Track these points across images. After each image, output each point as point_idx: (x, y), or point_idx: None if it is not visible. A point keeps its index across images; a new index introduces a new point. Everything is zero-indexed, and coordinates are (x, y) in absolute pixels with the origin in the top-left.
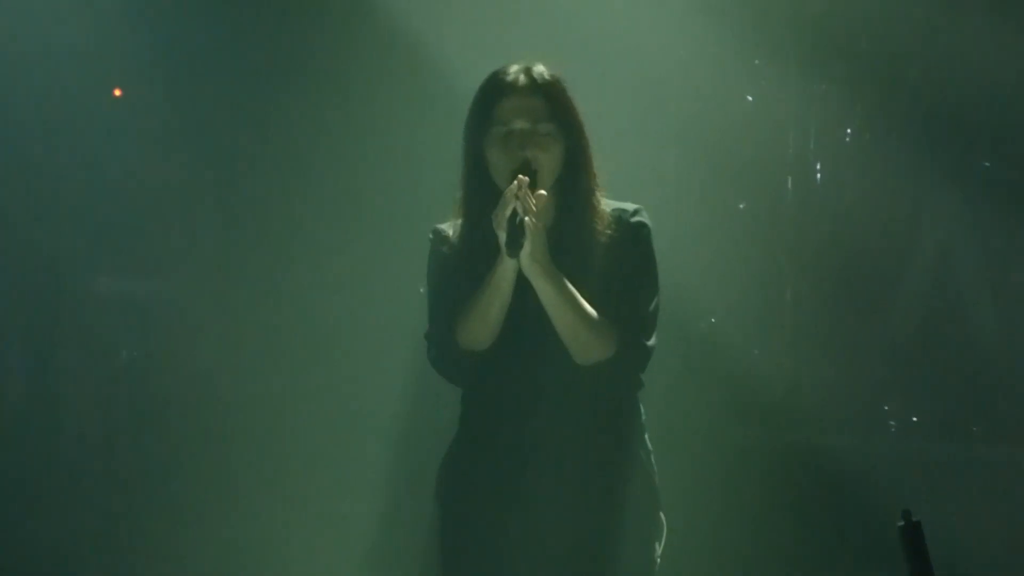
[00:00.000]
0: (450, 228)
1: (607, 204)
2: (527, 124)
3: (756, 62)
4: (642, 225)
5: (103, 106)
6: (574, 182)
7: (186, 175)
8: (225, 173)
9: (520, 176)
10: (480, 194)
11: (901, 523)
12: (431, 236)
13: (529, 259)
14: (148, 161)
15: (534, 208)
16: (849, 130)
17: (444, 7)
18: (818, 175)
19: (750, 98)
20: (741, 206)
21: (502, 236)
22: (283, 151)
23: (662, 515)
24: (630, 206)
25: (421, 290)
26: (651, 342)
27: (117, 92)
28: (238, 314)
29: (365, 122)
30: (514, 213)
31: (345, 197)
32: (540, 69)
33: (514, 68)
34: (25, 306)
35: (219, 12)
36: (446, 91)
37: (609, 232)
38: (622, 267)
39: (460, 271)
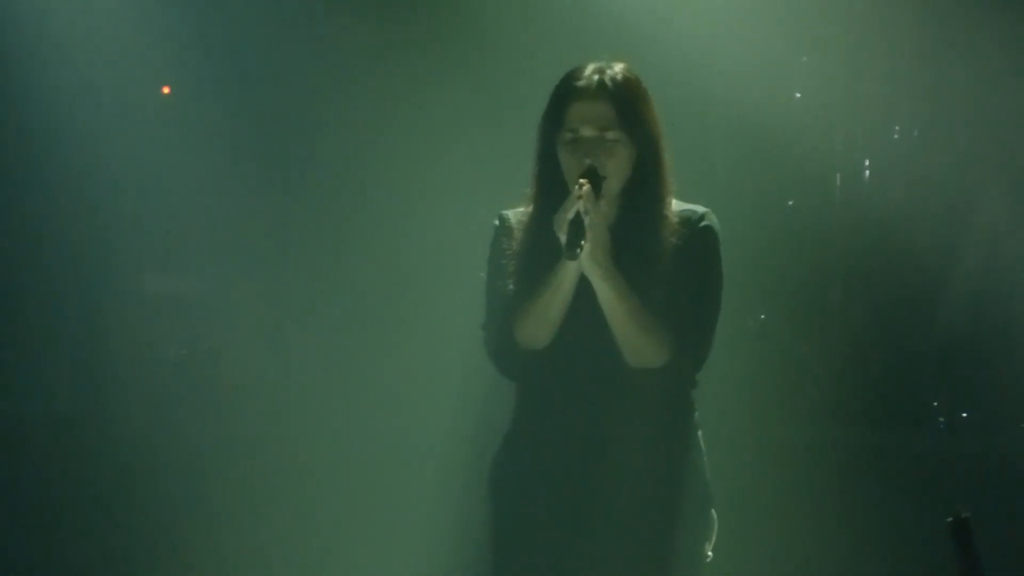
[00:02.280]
0: (516, 217)
1: (676, 206)
2: (594, 131)
3: (804, 59)
4: (709, 230)
5: (150, 104)
6: (643, 187)
7: (236, 172)
8: (276, 169)
9: (581, 180)
10: (550, 192)
11: (950, 519)
12: (496, 222)
13: (590, 260)
14: (196, 158)
15: (596, 211)
16: (897, 127)
17: (498, 5)
18: (867, 172)
19: (799, 95)
20: (790, 203)
21: (563, 238)
22: (334, 145)
23: (713, 512)
24: (699, 209)
25: (481, 275)
26: (706, 350)
27: (165, 90)
28: (288, 310)
29: (412, 115)
30: (576, 215)
31: (395, 188)
32: (614, 71)
33: (589, 69)
34: (73, 304)
35: (276, 9)
36: (503, 87)
37: (675, 237)
38: (685, 273)
39: (522, 265)
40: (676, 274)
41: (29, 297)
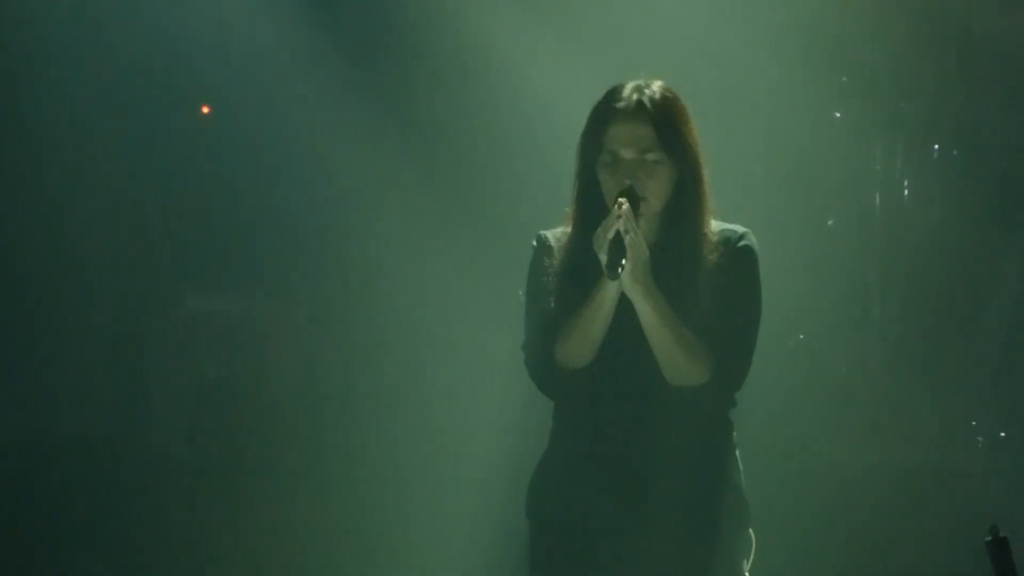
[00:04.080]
0: (554, 236)
1: (716, 226)
2: (634, 153)
3: (844, 79)
4: (748, 250)
5: (190, 122)
6: (683, 206)
7: (276, 190)
8: (316, 188)
9: (620, 199)
10: (589, 213)
11: (988, 538)
12: (535, 243)
13: (630, 279)
14: (237, 176)
15: (636, 230)
16: (937, 146)
17: (542, 20)
18: (906, 191)
19: (838, 114)
20: (830, 222)
21: (603, 258)
22: (374, 163)
23: (751, 532)
24: (738, 229)
25: (520, 293)
26: (745, 369)
27: (205, 109)
28: (328, 329)
29: (457, 126)
30: (616, 235)
31: (435, 206)
32: (653, 91)
33: (627, 89)
34: (114, 323)
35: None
36: (549, 103)
37: (715, 256)
38: (724, 292)
39: (562, 285)
40: (716, 293)
41: (69, 315)
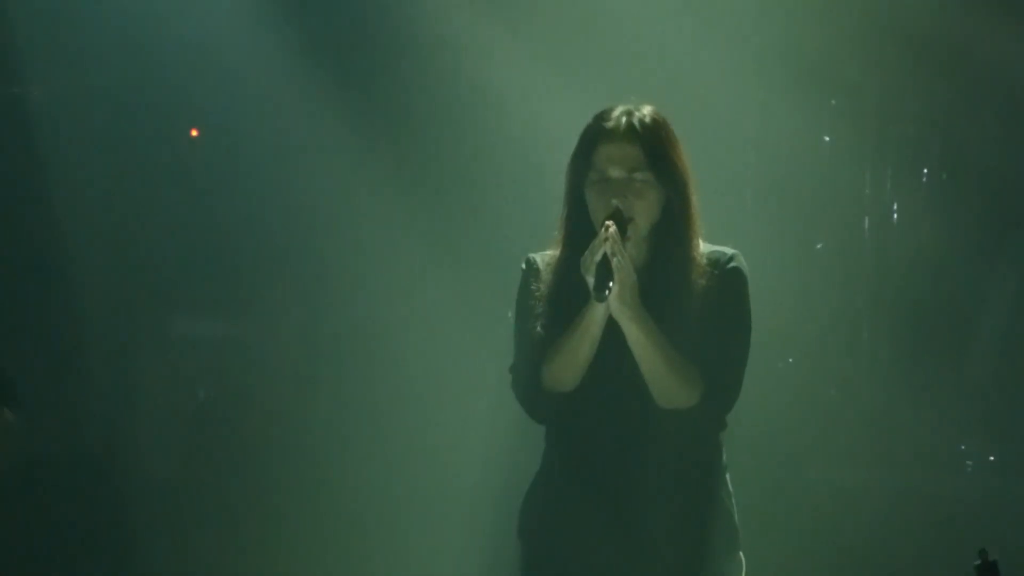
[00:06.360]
0: (543, 259)
1: (704, 248)
2: (623, 173)
3: (833, 103)
4: (737, 272)
5: (175, 145)
6: (671, 228)
7: (261, 213)
8: (302, 210)
9: (607, 221)
10: (578, 234)
11: (977, 562)
12: (524, 266)
13: (618, 301)
14: (223, 199)
15: (623, 252)
16: (926, 169)
17: (531, 47)
18: (895, 215)
19: (827, 138)
20: (818, 246)
21: (590, 280)
22: (363, 183)
23: (741, 555)
24: (727, 251)
25: (509, 315)
26: (736, 391)
27: (194, 132)
28: (316, 351)
29: (449, 149)
30: (604, 257)
31: (425, 230)
32: (642, 114)
33: (617, 111)
34: (102, 345)
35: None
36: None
37: (703, 279)
38: (713, 314)
39: (550, 308)
40: (704, 315)
41: (58, 338)
